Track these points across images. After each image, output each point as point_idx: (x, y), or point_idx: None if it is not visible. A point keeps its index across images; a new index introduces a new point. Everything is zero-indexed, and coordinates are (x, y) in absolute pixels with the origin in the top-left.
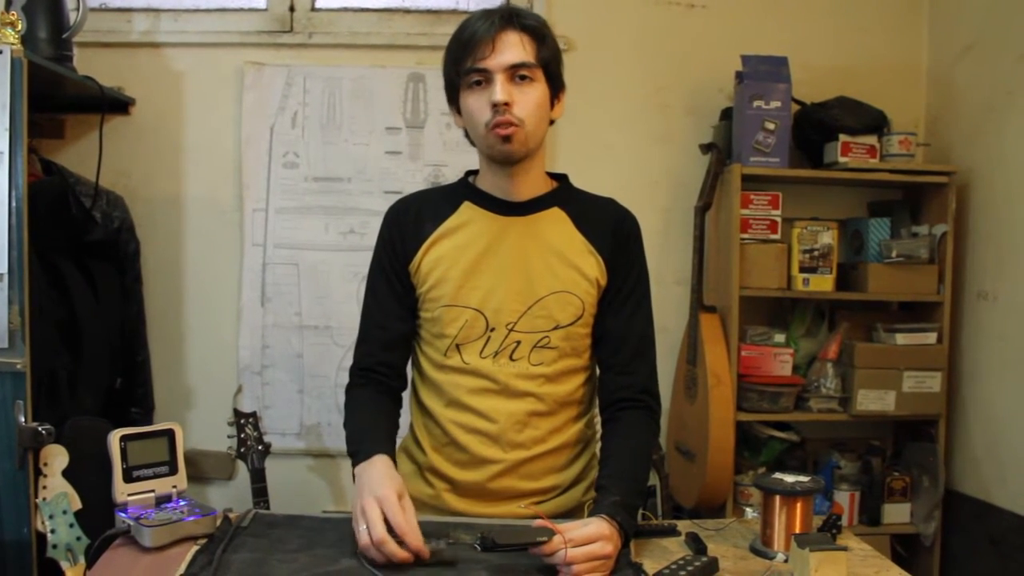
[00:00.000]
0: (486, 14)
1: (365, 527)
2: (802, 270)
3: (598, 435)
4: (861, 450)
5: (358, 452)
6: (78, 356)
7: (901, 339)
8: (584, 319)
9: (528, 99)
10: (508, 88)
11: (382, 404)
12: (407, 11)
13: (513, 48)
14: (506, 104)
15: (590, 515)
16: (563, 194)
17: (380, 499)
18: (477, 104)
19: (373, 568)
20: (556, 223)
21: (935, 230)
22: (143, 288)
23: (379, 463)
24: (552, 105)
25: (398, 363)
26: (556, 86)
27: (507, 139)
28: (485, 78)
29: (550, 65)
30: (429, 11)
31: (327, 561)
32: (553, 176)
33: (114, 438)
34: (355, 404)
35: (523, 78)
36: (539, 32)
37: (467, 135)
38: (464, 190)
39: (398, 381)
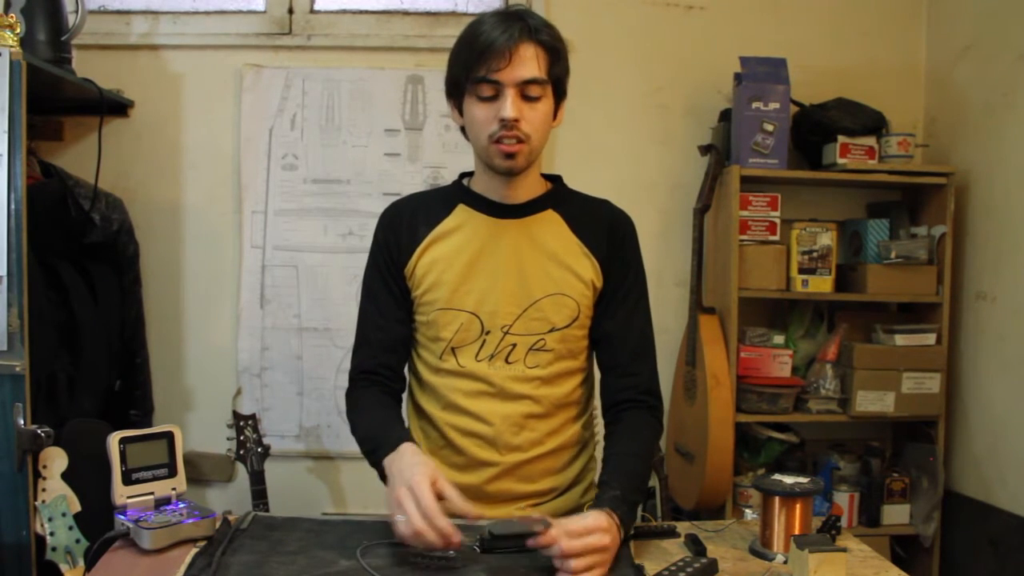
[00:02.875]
0: (504, 21)
1: (403, 517)
2: (801, 271)
3: (596, 437)
4: (860, 451)
5: (380, 446)
6: (77, 358)
7: (900, 340)
8: (580, 321)
9: (536, 115)
10: (518, 104)
11: (389, 403)
12: (406, 13)
13: (528, 63)
14: (515, 120)
15: (590, 509)
16: (557, 196)
17: (412, 487)
18: (483, 115)
19: (371, 570)
20: (550, 225)
21: (934, 231)
22: (142, 290)
23: (407, 451)
24: (555, 115)
25: (398, 365)
26: (560, 97)
27: (511, 156)
28: (495, 90)
29: (559, 80)
30: (428, 13)
31: (326, 563)
32: (547, 177)
33: (113, 440)
34: (364, 404)
35: (533, 93)
36: (555, 48)
37: (463, 131)
38: (458, 192)
39: (399, 383)
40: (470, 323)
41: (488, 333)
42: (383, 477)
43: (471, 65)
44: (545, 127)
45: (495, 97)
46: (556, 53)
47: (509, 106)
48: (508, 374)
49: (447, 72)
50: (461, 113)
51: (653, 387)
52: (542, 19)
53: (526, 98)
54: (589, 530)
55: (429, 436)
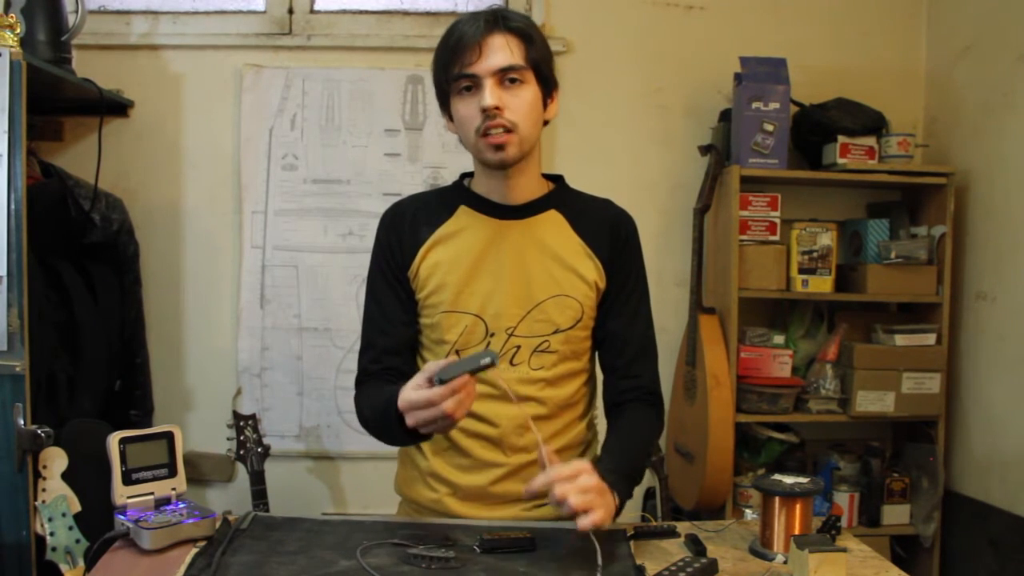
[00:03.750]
0: (472, 17)
1: (425, 412)
2: (801, 271)
3: (599, 437)
4: (860, 451)
5: (386, 410)
6: (77, 358)
7: (900, 340)
8: (583, 322)
9: (520, 102)
10: (498, 92)
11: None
12: (406, 13)
13: (500, 51)
14: (496, 108)
15: None
16: (559, 196)
17: (404, 406)
18: (467, 111)
19: (371, 569)
20: (553, 226)
21: (934, 231)
22: (142, 290)
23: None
24: (545, 106)
25: (405, 368)
26: (548, 86)
27: (500, 147)
28: (474, 83)
29: (540, 66)
30: (428, 13)
31: (326, 563)
32: (548, 177)
33: (113, 440)
34: (366, 393)
35: (513, 81)
36: (526, 33)
37: (460, 140)
38: (460, 193)
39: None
40: (474, 325)
41: (492, 335)
42: (396, 438)
43: (448, 64)
44: (532, 115)
45: (475, 91)
46: (529, 39)
47: (487, 95)
48: (513, 376)
49: (433, 80)
50: (452, 120)
51: (655, 388)
52: (515, 12)
53: (506, 87)
54: (577, 472)
55: (434, 438)
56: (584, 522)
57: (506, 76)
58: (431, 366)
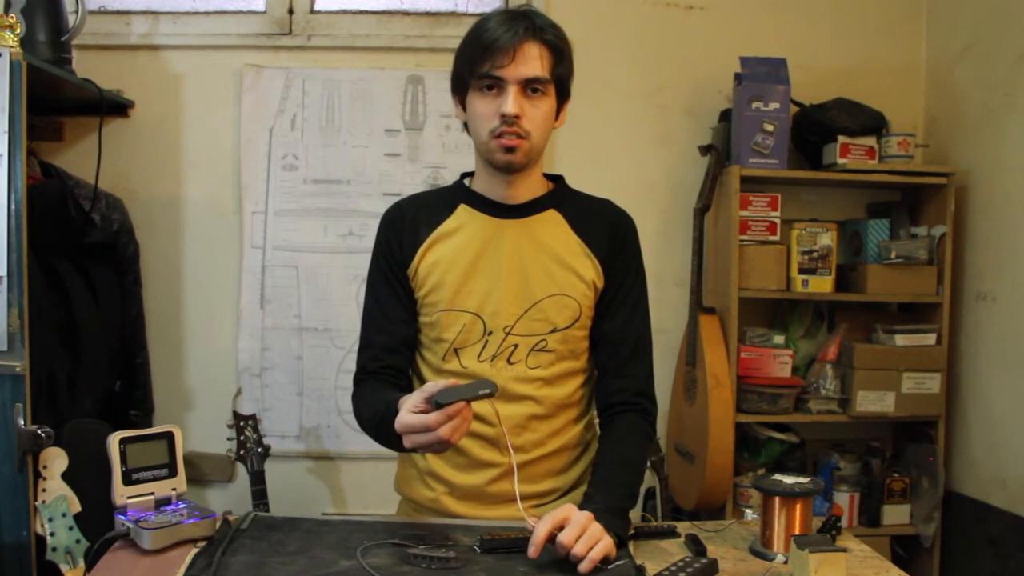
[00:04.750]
0: (510, 19)
1: (421, 437)
2: (801, 271)
3: (599, 436)
4: (860, 451)
5: (384, 419)
6: (77, 359)
7: (900, 340)
8: (581, 322)
9: (537, 112)
10: (520, 100)
11: (390, 389)
12: (406, 13)
13: (532, 62)
14: (516, 117)
15: None
16: (559, 195)
17: (401, 427)
18: (485, 110)
19: (371, 569)
20: (552, 225)
21: (934, 231)
22: (142, 290)
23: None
24: (557, 115)
25: (403, 366)
26: (563, 97)
27: (510, 150)
28: (498, 85)
29: (563, 80)
30: (428, 13)
31: (326, 563)
32: (549, 177)
33: (113, 440)
34: (364, 396)
35: (535, 91)
36: (559, 48)
37: (466, 127)
38: (459, 192)
39: (404, 381)
40: (472, 324)
41: (490, 334)
42: (394, 445)
43: (475, 61)
44: (546, 126)
45: (498, 93)
46: (560, 53)
47: (511, 102)
48: (510, 375)
49: (453, 67)
50: (464, 108)
51: (647, 389)
52: (548, 19)
53: (528, 96)
54: (566, 513)
55: None
56: (596, 554)
57: (530, 85)
58: (430, 386)
